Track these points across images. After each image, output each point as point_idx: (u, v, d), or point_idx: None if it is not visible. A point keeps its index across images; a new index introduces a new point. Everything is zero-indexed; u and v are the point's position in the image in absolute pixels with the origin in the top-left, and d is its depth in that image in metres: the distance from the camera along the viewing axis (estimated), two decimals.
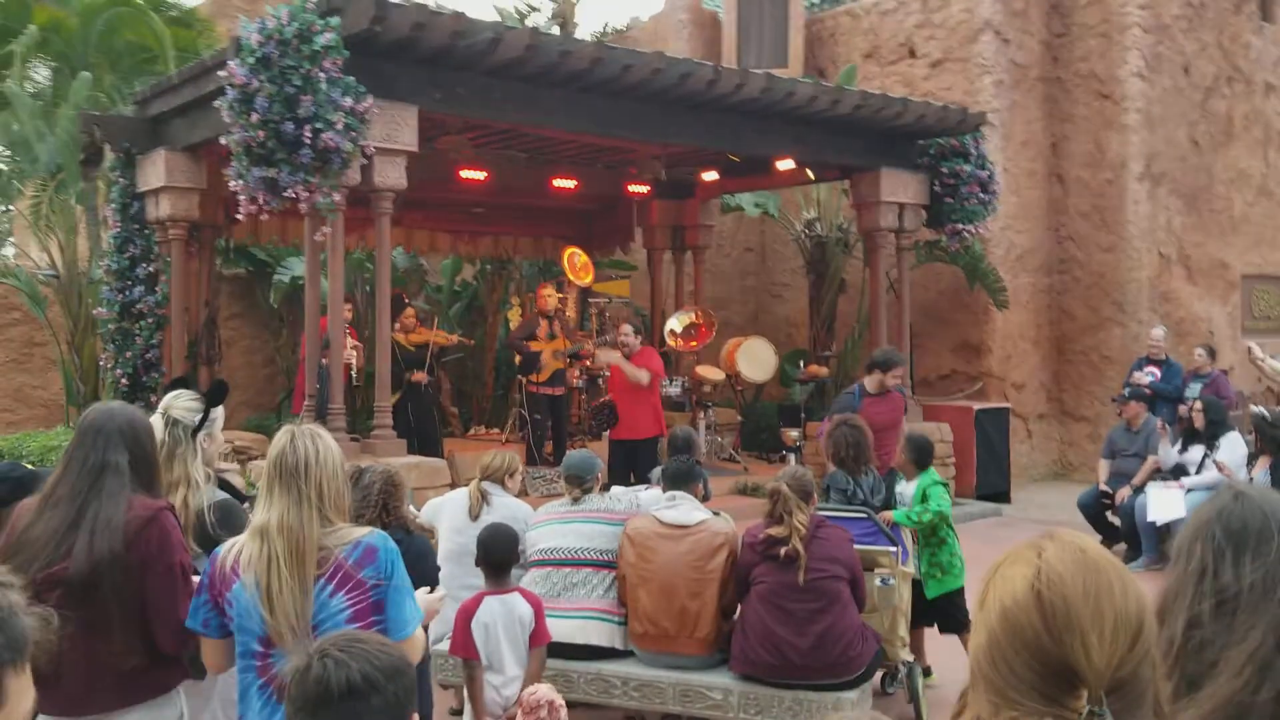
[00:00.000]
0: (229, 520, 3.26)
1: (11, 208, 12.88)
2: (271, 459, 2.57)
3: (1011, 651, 1.37)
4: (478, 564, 4.07)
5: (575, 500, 4.97)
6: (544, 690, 3.79)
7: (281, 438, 2.61)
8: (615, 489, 5.27)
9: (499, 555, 3.98)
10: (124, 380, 9.33)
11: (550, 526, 4.90)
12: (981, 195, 10.68)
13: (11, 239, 13.48)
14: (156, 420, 3.32)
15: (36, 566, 2.70)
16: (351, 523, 2.70)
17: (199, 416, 3.38)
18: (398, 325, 9.88)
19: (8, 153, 11.78)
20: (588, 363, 11.29)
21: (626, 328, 9.28)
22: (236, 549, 2.62)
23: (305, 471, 2.53)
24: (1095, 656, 1.34)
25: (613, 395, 9.15)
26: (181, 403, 3.43)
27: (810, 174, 11.24)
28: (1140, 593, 1.41)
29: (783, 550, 4.49)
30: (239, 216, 7.85)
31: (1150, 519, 8.35)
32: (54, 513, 2.78)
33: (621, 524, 4.89)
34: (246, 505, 3.48)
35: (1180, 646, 1.59)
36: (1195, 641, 1.57)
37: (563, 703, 3.80)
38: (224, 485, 3.64)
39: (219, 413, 3.54)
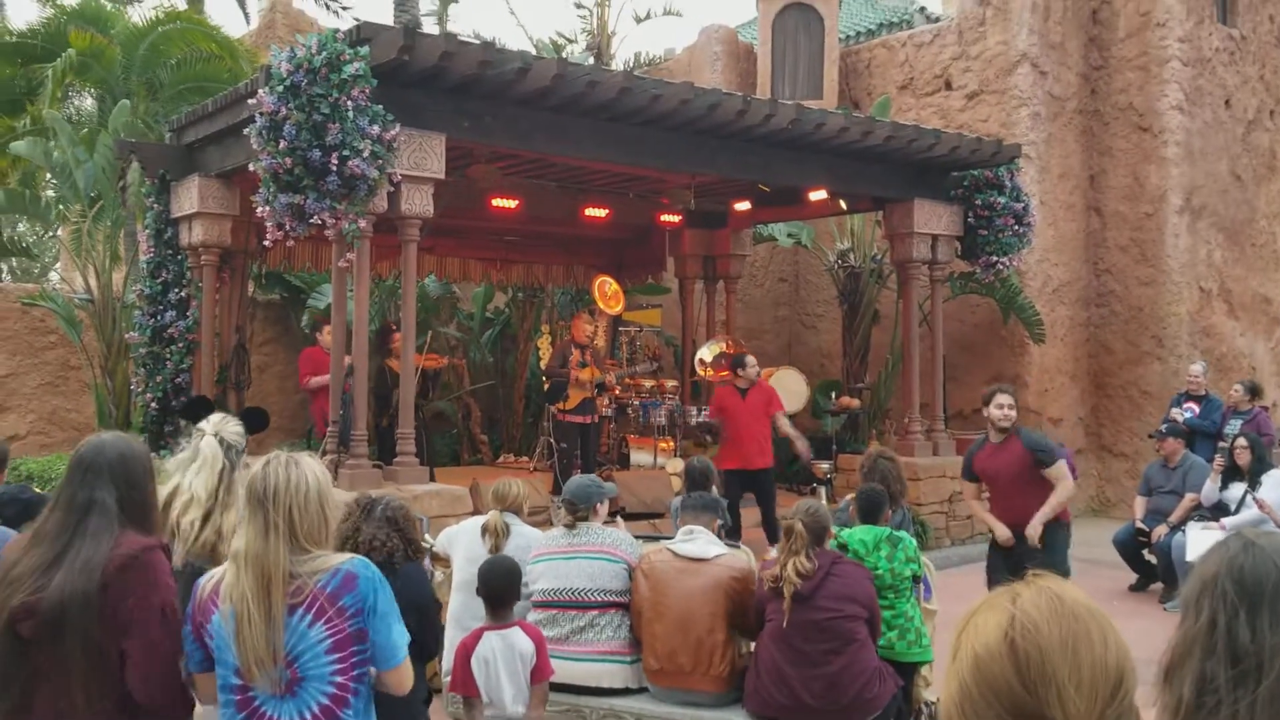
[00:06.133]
0: None
1: (58, 234, 13.07)
2: (245, 485, 2.54)
3: (983, 703, 1.30)
4: (478, 594, 4.00)
5: (570, 527, 4.90)
6: None
7: (257, 464, 2.57)
8: (616, 532, 5.15)
9: (498, 589, 3.89)
10: (154, 404, 9.40)
11: (552, 563, 4.81)
12: (1016, 227, 10.55)
13: (57, 265, 13.67)
14: (211, 444, 3.33)
15: (16, 600, 2.58)
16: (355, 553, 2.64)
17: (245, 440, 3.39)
18: (390, 351, 9.84)
19: (53, 180, 11.95)
20: (616, 391, 11.24)
21: (750, 359, 9.18)
22: (216, 577, 2.57)
23: (274, 498, 2.48)
24: (1071, 709, 1.27)
25: (738, 424, 8.99)
26: (230, 427, 3.42)
27: (843, 204, 11.16)
28: (1121, 643, 1.32)
29: (796, 588, 4.40)
30: (267, 243, 7.91)
31: (1189, 559, 8.14)
32: (38, 550, 2.66)
33: (625, 562, 4.82)
34: None
35: (1191, 708, 1.49)
36: (1209, 705, 1.47)
37: None
38: None
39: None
